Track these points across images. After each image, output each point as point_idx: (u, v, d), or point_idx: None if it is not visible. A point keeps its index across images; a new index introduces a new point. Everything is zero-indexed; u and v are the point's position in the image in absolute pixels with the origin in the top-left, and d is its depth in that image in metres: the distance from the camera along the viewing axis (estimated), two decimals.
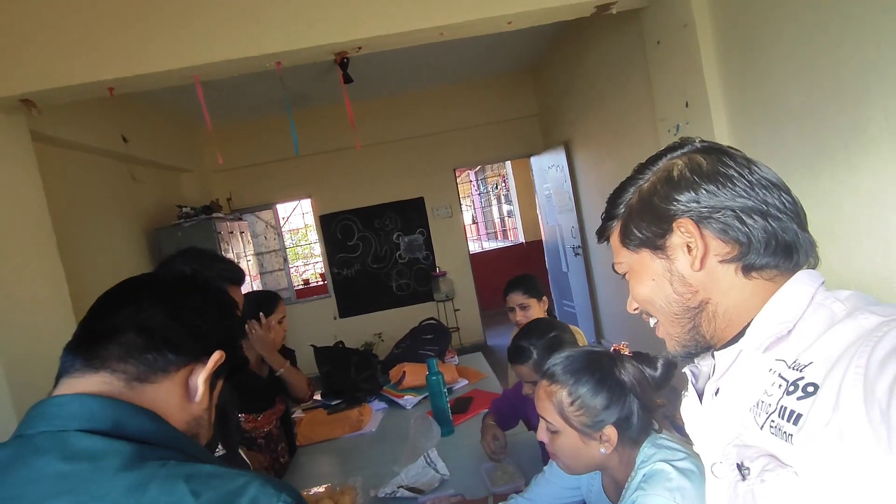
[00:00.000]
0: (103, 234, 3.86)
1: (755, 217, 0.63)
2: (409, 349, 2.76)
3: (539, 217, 6.24)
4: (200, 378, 0.65)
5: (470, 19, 2.36)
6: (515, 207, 9.11)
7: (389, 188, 5.98)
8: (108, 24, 2.23)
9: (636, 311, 0.73)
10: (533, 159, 5.96)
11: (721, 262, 0.64)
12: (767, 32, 2.06)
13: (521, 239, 8.71)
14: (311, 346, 2.60)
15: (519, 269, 2.97)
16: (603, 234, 0.75)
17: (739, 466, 0.60)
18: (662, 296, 0.67)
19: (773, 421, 0.57)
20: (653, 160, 0.71)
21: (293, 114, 2.90)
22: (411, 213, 6.07)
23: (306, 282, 7.69)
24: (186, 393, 0.64)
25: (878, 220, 1.74)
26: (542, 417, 1.08)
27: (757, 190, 0.64)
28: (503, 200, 10.34)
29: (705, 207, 0.64)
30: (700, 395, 0.71)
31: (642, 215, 0.68)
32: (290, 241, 8.44)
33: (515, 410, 1.84)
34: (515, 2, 2.36)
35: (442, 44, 2.67)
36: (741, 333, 0.64)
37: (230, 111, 5.13)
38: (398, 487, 1.59)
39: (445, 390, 1.97)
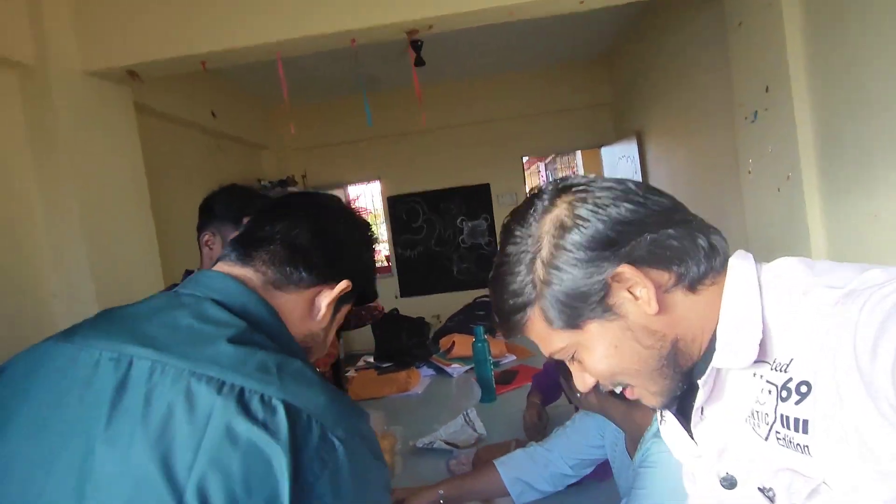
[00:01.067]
0: (190, 201, 4.14)
1: (667, 229, 0.58)
2: (461, 323, 2.83)
3: None
4: (325, 301, 0.72)
5: None
6: None
7: (456, 173, 6.05)
8: None
9: (590, 390, 0.66)
10: (604, 150, 5.82)
11: (666, 292, 0.58)
12: (857, 14, 1.93)
13: None
14: None
15: None
16: (514, 329, 0.65)
17: (762, 490, 0.56)
18: (634, 357, 0.60)
19: (778, 432, 0.53)
20: (518, 227, 0.62)
21: (365, 95, 3.02)
22: (476, 199, 6.11)
23: None
24: (310, 309, 0.73)
25: None
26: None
27: (646, 197, 0.59)
28: None
29: (626, 244, 0.57)
30: (678, 417, 0.68)
31: (567, 284, 0.58)
32: None
33: (556, 383, 1.86)
34: None
35: (514, 30, 2.68)
36: (711, 347, 0.59)
37: (303, 90, 5.34)
38: (436, 440, 1.66)
39: (490, 358, 2.02)
